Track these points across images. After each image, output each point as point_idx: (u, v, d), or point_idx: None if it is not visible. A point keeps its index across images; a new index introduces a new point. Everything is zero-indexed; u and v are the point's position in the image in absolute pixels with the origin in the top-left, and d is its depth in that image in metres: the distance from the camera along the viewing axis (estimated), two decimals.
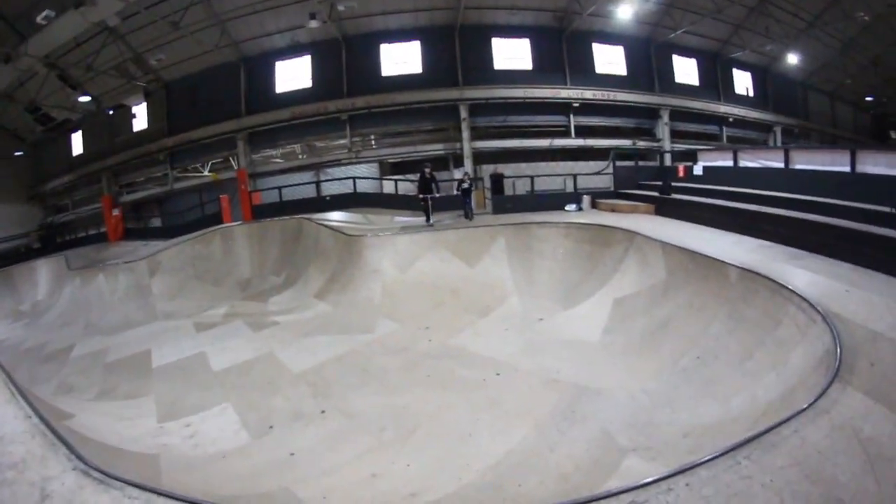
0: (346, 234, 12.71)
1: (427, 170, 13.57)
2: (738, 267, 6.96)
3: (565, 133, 21.03)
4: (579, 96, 20.61)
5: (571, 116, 20.89)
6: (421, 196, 13.43)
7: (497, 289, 10.39)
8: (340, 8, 18.06)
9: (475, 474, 4.78)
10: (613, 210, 13.79)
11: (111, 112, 22.51)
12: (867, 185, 9.22)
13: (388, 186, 19.82)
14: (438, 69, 19.88)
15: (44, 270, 18.25)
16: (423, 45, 20.07)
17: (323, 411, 6.37)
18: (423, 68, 20.02)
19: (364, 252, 11.74)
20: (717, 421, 4.95)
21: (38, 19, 15.57)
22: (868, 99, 30.70)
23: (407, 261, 11.38)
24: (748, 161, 14.41)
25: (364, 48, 20.00)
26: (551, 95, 20.44)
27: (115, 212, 22.85)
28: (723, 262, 7.31)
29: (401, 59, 20.08)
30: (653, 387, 6.13)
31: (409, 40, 20.07)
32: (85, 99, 20.63)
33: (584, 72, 21.01)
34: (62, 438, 3.66)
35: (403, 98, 19.62)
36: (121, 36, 19.08)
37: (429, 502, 4.40)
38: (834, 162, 11.23)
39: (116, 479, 3.18)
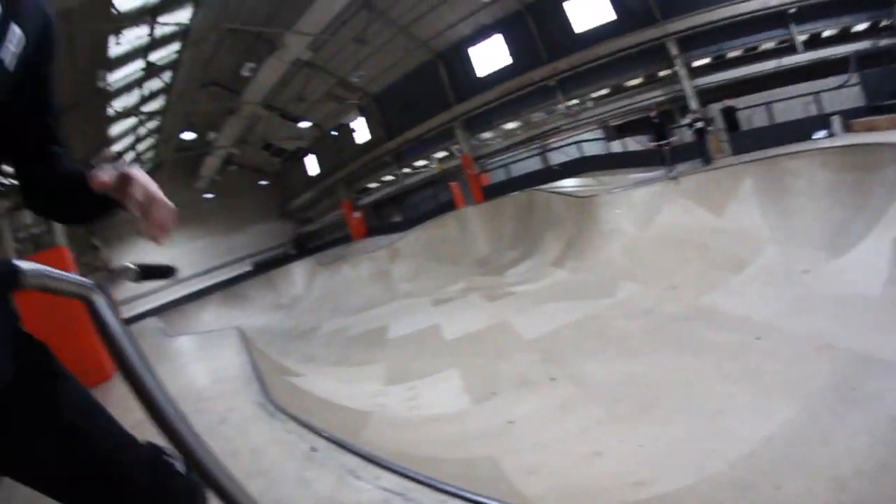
0: (577, 196, 12.16)
1: (653, 114, 12.19)
2: None
3: (791, 49, 16.98)
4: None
5: (792, 27, 16.68)
6: (656, 144, 12.00)
7: (750, 238, 8.67)
8: None
9: (722, 465, 3.71)
10: (871, 129, 10.59)
11: (334, 133, 25.89)
12: None
13: (618, 148, 18.62)
14: (632, 9, 17.78)
15: (299, 271, 21.19)
16: None
17: (552, 378, 5.88)
18: (617, 13, 18.11)
19: (599, 212, 11.01)
20: None
21: (244, 72, 18.67)
22: None
23: (645, 216, 10.34)
24: None
25: (548, 10, 19.02)
26: (760, 7, 16.57)
27: (356, 214, 25.62)
28: None
29: (589, 10, 18.47)
30: None
31: None
32: (306, 125, 24.03)
33: None
34: (259, 378, 4.34)
35: (604, 49, 18.04)
36: (320, 67, 21.52)
37: (656, 495, 3.50)
38: None
39: (285, 413, 3.46)
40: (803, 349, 5.27)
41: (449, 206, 19.16)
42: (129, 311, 17.53)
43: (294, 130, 25.83)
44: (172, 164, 23.96)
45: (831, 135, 11.51)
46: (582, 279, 9.65)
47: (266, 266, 26.20)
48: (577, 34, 18.68)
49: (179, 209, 0.98)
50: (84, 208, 1.03)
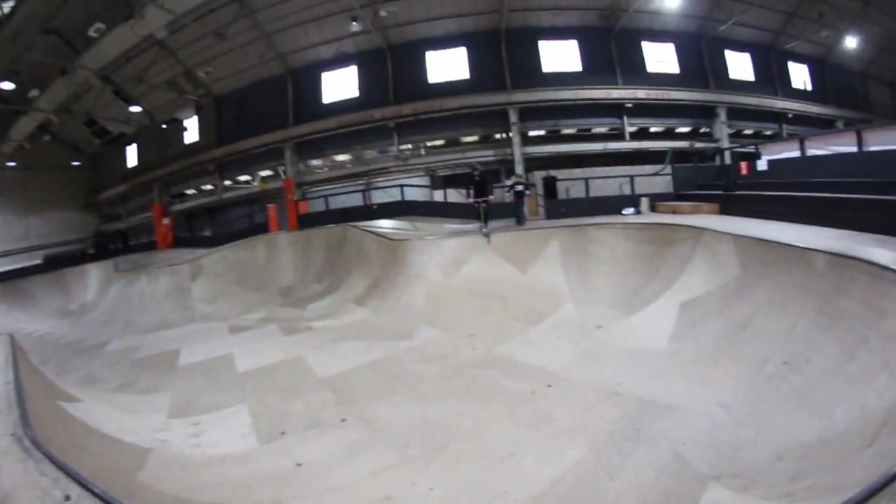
0: (389, 238, 12.15)
1: (477, 172, 12.56)
2: (826, 252, 5.88)
3: (619, 136, 19.99)
4: (632, 96, 19.58)
5: (625, 118, 19.85)
6: (474, 201, 12.14)
7: (550, 295, 9.39)
8: (383, 14, 17.84)
9: None
10: (674, 212, 12.57)
11: (164, 126, 23.38)
12: None
13: (440, 197, 19.26)
14: (486, 74, 19.36)
15: (94, 273, 18.74)
16: (469, 50, 19.64)
17: (343, 420, 5.65)
18: (471, 73, 19.54)
19: (408, 256, 11.11)
20: (818, 438, 3.94)
21: (90, 32, 16.27)
22: None
23: (453, 265, 10.67)
24: (816, 149, 13.43)
25: (409, 56, 19.75)
26: (603, 96, 19.52)
27: (165, 220, 23.41)
28: (806, 248, 6.27)
29: (447, 65, 19.68)
30: (732, 400, 5.07)
31: (455, 46, 19.67)
32: (137, 109, 21.34)
33: (635, 71, 20.03)
34: (21, 403, 3.70)
35: (451, 104, 19.09)
36: (171, 51, 19.72)
37: None
38: None
39: (43, 451, 3.03)
40: (592, 396, 5.75)
41: (262, 228, 18.40)
42: None
43: (123, 112, 22.59)
44: None
45: (638, 212, 13.33)
46: (383, 320, 9.71)
47: (59, 262, 23.37)
48: (430, 84, 19.59)
49: None
50: None
